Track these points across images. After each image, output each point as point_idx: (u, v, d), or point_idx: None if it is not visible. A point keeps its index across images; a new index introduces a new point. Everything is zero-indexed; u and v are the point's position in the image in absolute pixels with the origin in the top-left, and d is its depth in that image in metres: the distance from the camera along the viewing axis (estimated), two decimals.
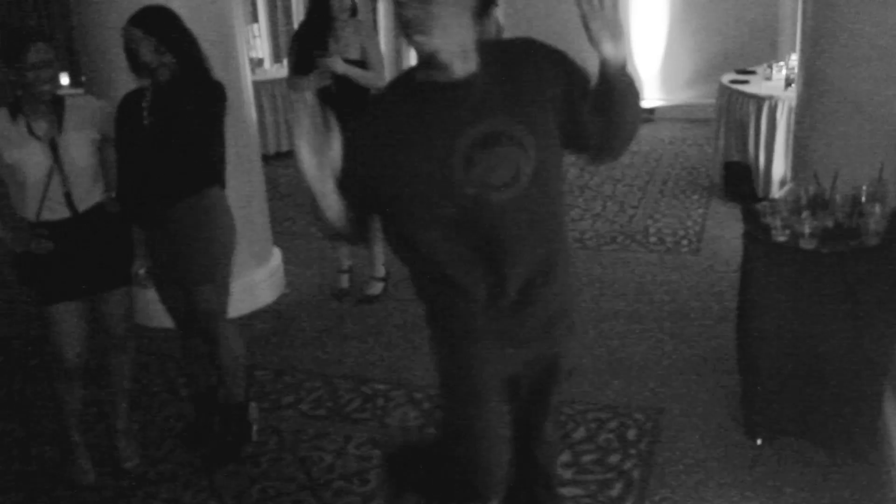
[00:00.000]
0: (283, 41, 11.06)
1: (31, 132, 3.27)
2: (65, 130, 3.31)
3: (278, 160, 8.86)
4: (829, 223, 3.31)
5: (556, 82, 2.17)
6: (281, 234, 6.37)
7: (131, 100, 3.41)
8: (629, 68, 2.08)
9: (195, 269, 3.47)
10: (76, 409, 3.62)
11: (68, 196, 3.31)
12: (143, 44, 3.25)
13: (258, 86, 8.73)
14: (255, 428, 3.81)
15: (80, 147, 3.33)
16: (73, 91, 6.70)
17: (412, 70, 2.21)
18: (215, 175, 3.49)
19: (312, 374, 4.39)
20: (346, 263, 5.42)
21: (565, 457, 3.51)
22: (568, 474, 3.41)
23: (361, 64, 4.73)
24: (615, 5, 1.94)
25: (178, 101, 3.29)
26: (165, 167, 3.35)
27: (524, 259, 2.20)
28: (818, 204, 3.43)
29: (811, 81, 4.30)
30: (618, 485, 3.36)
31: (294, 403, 4.12)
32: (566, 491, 3.30)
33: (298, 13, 10.84)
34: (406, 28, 2.02)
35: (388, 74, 4.86)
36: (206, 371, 3.76)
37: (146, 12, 3.32)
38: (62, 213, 3.32)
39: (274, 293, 5.40)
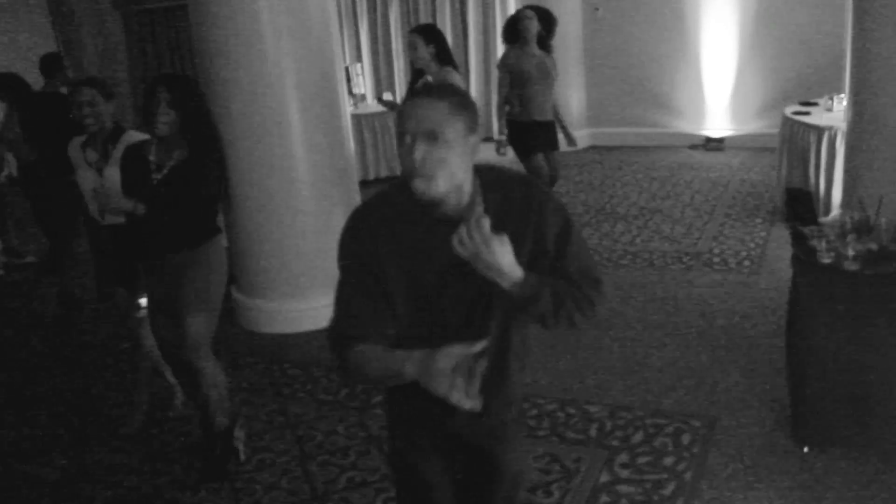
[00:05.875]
0: (384, 78, 11.27)
1: None
2: None
3: (377, 184, 9.00)
4: (873, 247, 3.20)
5: (533, 244, 1.95)
6: None
7: (137, 151, 3.45)
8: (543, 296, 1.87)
9: (189, 299, 3.45)
10: None
11: None
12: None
13: (360, 118, 8.87)
14: (241, 450, 3.73)
15: None
16: None
17: (394, 193, 1.98)
18: (215, 229, 3.55)
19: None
20: None
21: (623, 457, 3.47)
22: (624, 474, 3.37)
23: None
24: (489, 249, 1.76)
25: (187, 169, 3.35)
26: (170, 225, 3.42)
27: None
28: (863, 229, 3.32)
29: (859, 117, 4.19)
30: (670, 485, 3.30)
31: (375, 406, 4.16)
32: (621, 489, 3.26)
33: (398, 54, 11.02)
34: (410, 169, 1.82)
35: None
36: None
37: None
38: None
39: None
